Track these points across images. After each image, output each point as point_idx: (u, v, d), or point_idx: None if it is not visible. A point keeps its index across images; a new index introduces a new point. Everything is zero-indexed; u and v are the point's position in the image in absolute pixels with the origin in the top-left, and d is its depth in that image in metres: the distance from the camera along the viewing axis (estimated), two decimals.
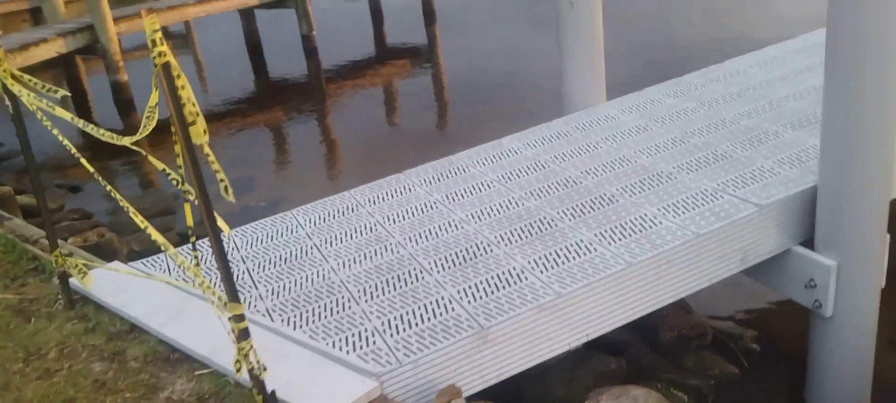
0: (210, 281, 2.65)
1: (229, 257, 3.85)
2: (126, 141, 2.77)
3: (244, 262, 3.82)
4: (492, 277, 3.34)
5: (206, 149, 2.35)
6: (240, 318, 2.46)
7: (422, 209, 4.11)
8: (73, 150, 3.32)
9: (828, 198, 3.50)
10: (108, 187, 3.25)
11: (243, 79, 13.34)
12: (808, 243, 3.68)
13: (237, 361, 2.51)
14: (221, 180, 2.30)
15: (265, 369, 2.55)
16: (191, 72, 13.92)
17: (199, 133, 2.33)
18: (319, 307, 3.31)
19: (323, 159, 9.07)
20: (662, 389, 3.75)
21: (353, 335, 3.07)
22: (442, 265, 3.51)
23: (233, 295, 2.45)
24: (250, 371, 2.52)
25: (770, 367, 4.20)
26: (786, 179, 3.75)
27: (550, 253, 3.46)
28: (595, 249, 3.44)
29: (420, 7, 15.26)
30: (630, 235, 3.51)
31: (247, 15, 14.57)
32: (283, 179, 8.42)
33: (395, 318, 3.15)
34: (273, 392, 2.56)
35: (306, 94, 12.11)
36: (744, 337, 4.32)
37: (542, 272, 3.32)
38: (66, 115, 3.16)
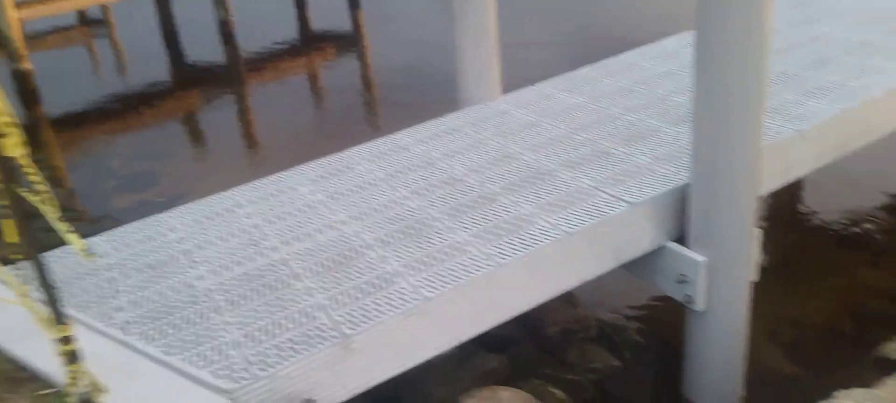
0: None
1: (94, 264, 3.69)
2: None
3: (109, 270, 3.65)
4: (363, 282, 3.28)
5: (26, 163, 2.20)
6: (67, 340, 2.33)
7: (302, 210, 4.00)
8: None
9: (698, 195, 3.55)
10: None
11: (157, 66, 12.90)
12: (683, 239, 3.73)
13: (68, 385, 2.39)
14: (43, 202, 2.16)
15: (102, 391, 2.43)
16: (109, 60, 13.38)
17: (14, 145, 2.18)
18: (179, 319, 3.18)
19: (234, 151, 8.83)
20: (540, 386, 3.76)
21: (210, 349, 2.97)
22: (314, 270, 3.42)
23: (58, 317, 2.31)
24: (83, 395, 2.40)
25: (651, 359, 4.28)
26: (661, 176, 3.79)
27: (425, 256, 3.42)
28: (469, 250, 3.40)
29: None
30: (505, 235, 3.48)
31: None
32: (190, 172, 8.16)
33: (257, 329, 3.05)
34: None
35: (223, 82, 11.77)
36: (628, 330, 4.39)
37: (413, 275, 3.27)
38: None
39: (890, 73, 4.43)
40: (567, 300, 4.46)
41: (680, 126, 4.34)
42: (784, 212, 6.00)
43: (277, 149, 8.49)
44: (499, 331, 3.56)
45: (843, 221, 5.72)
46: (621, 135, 4.32)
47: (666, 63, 5.37)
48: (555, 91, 5.15)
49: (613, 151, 4.14)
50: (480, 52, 5.01)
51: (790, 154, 3.91)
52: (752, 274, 3.71)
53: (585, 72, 5.40)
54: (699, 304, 3.65)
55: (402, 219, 3.76)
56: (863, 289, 4.82)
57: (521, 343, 4.24)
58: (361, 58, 12.44)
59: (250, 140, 9.15)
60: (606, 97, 4.91)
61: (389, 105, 9.85)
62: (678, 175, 3.78)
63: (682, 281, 3.67)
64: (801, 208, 6.02)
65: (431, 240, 3.54)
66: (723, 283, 3.61)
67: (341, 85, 11.08)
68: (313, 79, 11.56)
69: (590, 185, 3.81)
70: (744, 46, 3.16)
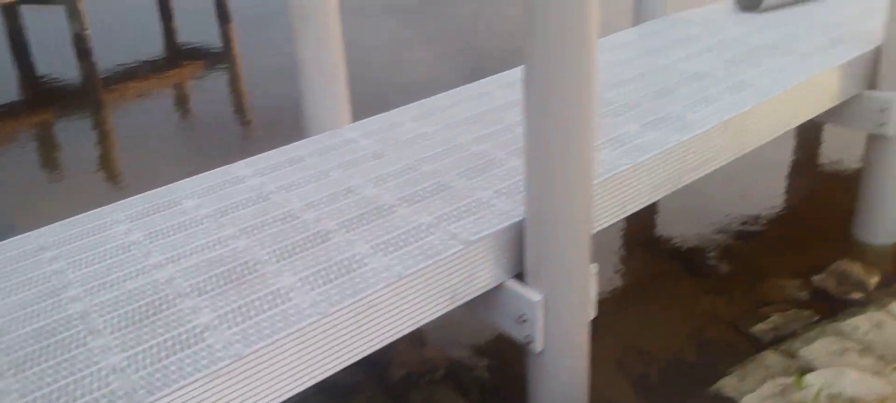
0: None
1: None
2: None
3: None
4: (169, 339, 2.95)
5: None
6: None
7: (115, 252, 3.62)
8: None
9: (532, 231, 3.45)
10: None
11: (5, 84, 11.87)
12: (523, 277, 3.63)
13: None
14: None
15: None
16: None
17: None
18: None
19: (83, 175, 8.16)
20: None
21: None
22: (117, 325, 3.06)
23: None
24: None
25: (500, 399, 4.16)
26: (500, 212, 3.68)
27: (244, 305, 3.13)
28: (293, 298, 3.15)
29: (213, 4, 14.44)
30: (335, 279, 3.25)
31: (8, 11, 13.00)
32: (16, 204, 7.46)
33: (40, 399, 2.67)
34: None
35: (77, 101, 10.94)
36: (477, 369, 4.25)
37: (228, 328, 2.98)
38: None
39: (725, 105, 4.54)
40: (416, 339, 4.29)
41: (523, 157, 4.26)
42: (632, 240, 6.10)
43: (125, 175, 7.91)
44: (343, 378, 3.33)
45: (690, 248, 5.87)
46: (466, 167, 4.19)
47: (517, 91, 5.32)
48: (404, 119, 4.98)
49: (456, 184, 4.00)
50: (325, 76, 4.78)
51: (627, 188, 3.90)
52: (590, 312, 3.66)
53: (438, 99, 5.27)
54: (538, 344, 3.55)
55: (225, 263, 3.46)
56: (708, 317, 4.92)
57: (366, 390, 4.02)
58: (231, 75, 11.95)
59: (96, 165, 8.49)
60: (456, 126, 4.79)
61: (253, 127, 9.45)
62: (517, 210, 3.67)
63: (522, 320, 3.56)
64: (651, 235, 6.14)
65: (254, 287, 3.26)
66: (560, 322, 3.53)
67: (207, 105, 10.57)
68: (176, 98, 10.96)
69: (428, 222, 3.64)
70: (568, 82, 3.09)
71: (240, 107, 10.35)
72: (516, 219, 3.58)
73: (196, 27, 14.66)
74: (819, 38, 5.74)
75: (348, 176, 4.23)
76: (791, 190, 6.89)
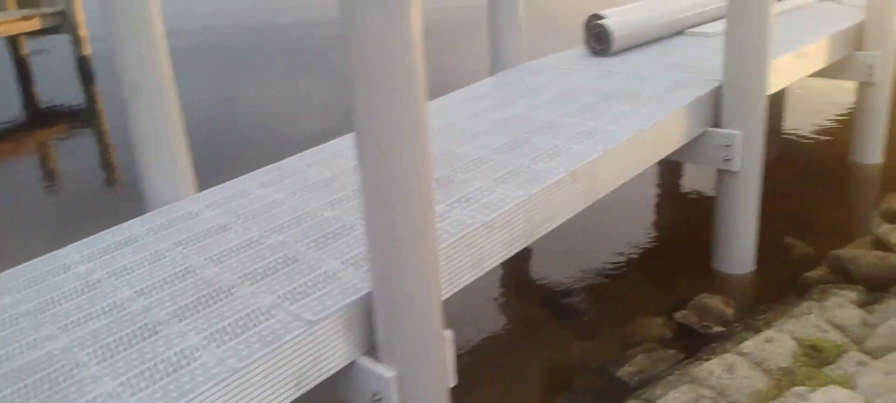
0: None
1: None
2: None
3: None
4: None
5: None
6: None
7: None
8: None
9: (379, 304, 3.28)
10: None
11: None
12: (375, 352, 3.44)
13: None
14: None
15: None
16: None
17: None
18: None
19: None
20: None
21: None
22: None
23: None
24: None
25: None
26: (346, 285, 3.48)
27: None
28: None
29: (75, 64, 13.69)
30: (159, 380, 2.94)
31: None
32: None
33: None
34: None
35: None
36: None
37: None
38: None
39: (574, 154, 4.56)
40: None
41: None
42: (502, 291, 6.05)
43: None
44: None
45: (560, 292, 5.88)
46: (315, 237, 3.98)
47: None
48: (254, 185, 4.72)
49: (304, 256, 3.78)
50: (162, 147, 4.46)
51: (480, 246, 3.81)
52: (449, 380, 3.51)
53: (289, 162, 5.05)
54: None
55: (37, 370, 3.08)
56: (577, 365, 4.89)
57: None
58: (97, 137, 11.30)
59: None
60: (308, 190, 4.58)
61: (112, 196, 8.87)
62: (365, 282, 3.49)
63: (377, 398, 3.36)
64: (521, 283, 6.12)
65: (69, 396, 2.89)
66: (417, 395, 3.35)
67: (67, 169, 9.90)
68: (33, 163, 10.21)
69: (270, 302, 3.40)
70: (399, 147, 2.96)
71: (103, 171, 9.78)
72: (363, 293, 3.40)
73: (58, 89, 13.87)
74: (665, 80, 5.94)
75: (187, 255, 3.92)
76: (655, 225, 7.09)
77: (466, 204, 4.05)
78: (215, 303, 3.45)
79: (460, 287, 3.83)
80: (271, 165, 5.01)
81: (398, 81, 2.88)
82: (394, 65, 2.85)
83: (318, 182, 4.69)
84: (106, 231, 4.31)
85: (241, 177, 4.86)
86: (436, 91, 6.21)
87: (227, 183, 4.80)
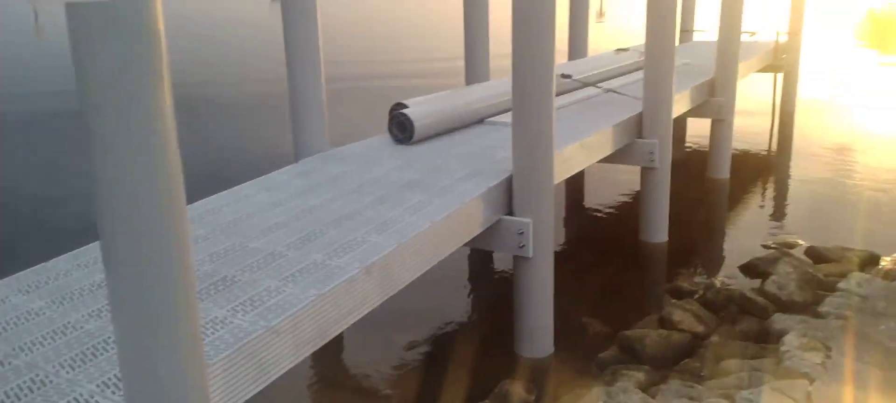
0: None
1: None
2: None
3: None
4: None
5: None
6: None
7: None
8: None
9: None
10: None
11: None
12: None
13: None
14: None
15: None
16: None
17: None
18: None
19: None
20: None
21: None
22: None
23: None
24: None
25: None
26: None
27: None
28: None
29: None
30: None
31: None
32: None
33: None
34: None
35: None
36: None
37: None
38: None
39: (369, 247, 4.46)
40: None
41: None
42: (309, 390, 5.75)
43: None
44: None
45: (369, 387, 5.67)
46: (71, 354, 3.50)
47: (247, 205, 4.85)
48: (11, 292, 4.14)
49: (54, 380, 3.30)
50: None
51: (265, 352, 3.55)
52: None
53: (57, 263, 4.50)
54: None
55: None
56: None
57: None
58: None
59: None
60: (70, 298, 4.07)
61: None
62: None
63: None
64: (331, 380, 5.85)
65: None
66: None
67: None
68: None
69: None
70: (154, 262, 2.68)
71: None
72: None
73: None
74: (463, 169, 6.07)
75: None
76: (463, 309, 7.13)
77: (251, 307, 3.78)
78: None
79: (244, 399, 3.52)
80: (31, 268, 4.44)
81: (147, 186, 2.62)
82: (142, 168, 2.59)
83: (85, 287, 4.20)
84: None
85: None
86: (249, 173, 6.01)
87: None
